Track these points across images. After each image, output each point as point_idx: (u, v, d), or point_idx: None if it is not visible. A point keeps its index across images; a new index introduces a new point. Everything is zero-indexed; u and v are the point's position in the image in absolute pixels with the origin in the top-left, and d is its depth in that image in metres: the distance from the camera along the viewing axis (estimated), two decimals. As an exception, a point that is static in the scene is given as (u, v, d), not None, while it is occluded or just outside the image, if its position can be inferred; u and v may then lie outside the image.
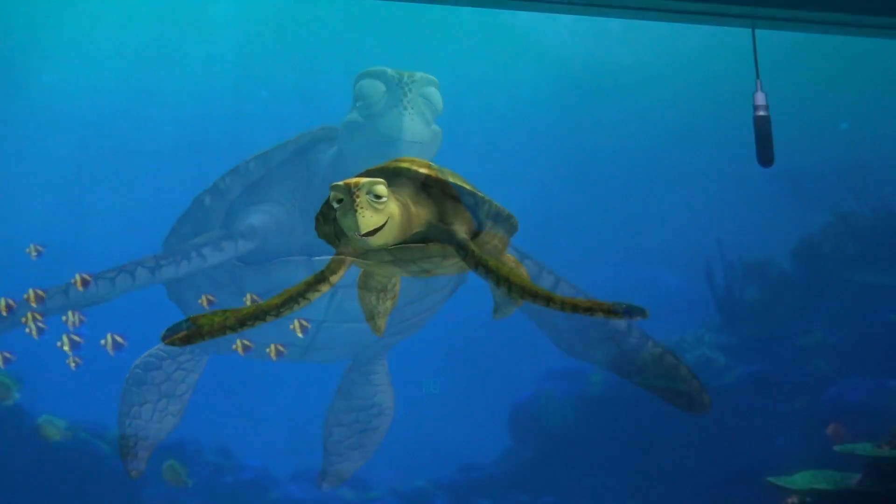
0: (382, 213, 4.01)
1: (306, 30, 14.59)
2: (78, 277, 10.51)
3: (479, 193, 4.43)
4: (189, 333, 4.10)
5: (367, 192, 3.99)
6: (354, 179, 3.98)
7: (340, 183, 3.97)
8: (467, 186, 4.42)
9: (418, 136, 3.74)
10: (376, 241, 4.02)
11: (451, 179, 4.42)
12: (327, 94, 14.30)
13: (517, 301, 4.62)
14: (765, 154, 4.60)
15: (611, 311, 4.17)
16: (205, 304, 10.75)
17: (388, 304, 5.12)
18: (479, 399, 13.69)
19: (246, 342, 11.02)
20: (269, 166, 4.08)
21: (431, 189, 4.37)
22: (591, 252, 14.46)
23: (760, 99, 4.66)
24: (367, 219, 3.99)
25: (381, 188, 4.00)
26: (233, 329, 4.13)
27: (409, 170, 4.33)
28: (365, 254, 4.34)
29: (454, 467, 13.32)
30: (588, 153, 15.25)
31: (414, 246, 4.30)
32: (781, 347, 12.75)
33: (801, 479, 10.03)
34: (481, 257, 4.27)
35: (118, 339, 11.15)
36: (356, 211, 3.96)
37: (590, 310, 4.14)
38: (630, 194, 15.29)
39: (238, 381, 13.65)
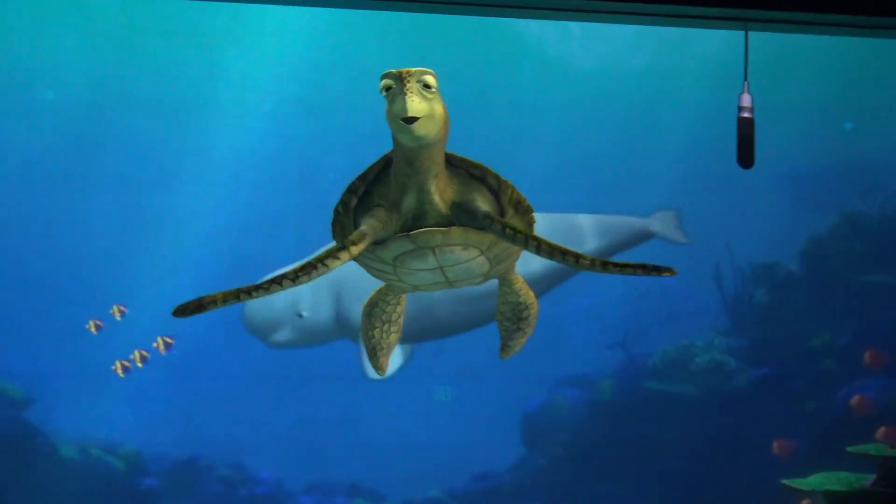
0: (430, 102, 4.00)
1: (308, 42, 14.63)
2: (92, 323, 10.64)
3: (502, 178, 4.43)
4: (202, 301, 4.10)
5: (418, 81, 4.00)
6: (406, 69, 4.00)
7: (392, 70, 3.98)
8: (490, 169, 4.43)
9: (420, 112, 3.81)
10: (419, 128, 3.98)
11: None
12: (332, 104, 14.39)
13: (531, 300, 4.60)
14: (746, 155, 4.61)
15: (642, 268, 4.18)
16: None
17: (392, 338, 5.08)
18: (491, 407, 13.68)
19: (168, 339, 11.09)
20: (367, 179, 4.15)
21: (457, 169, 4.36)
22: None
23: (746, 101, 4.68)
24: (415, 104, 3.96)
25: (431, 78, 4.00)
26: (245, 294, 4.13)
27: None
28: (384, 244, 4.34)
29: (468, 476, 13.32)
30: (594, 157, 15.26)
31: (436, 230, 4.29)
32: (791, 349, 12.74)
33: (815, 481, 10.01)
34: (507, 222, 4.28)
35: (168, 340, 11.24)
36: (405, 95, 3.95)
37: (621, 268, 4.16)
38: (636, 198, 15.29)
39: (249, 396, 13.68)
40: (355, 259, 4.48)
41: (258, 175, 14.58)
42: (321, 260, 4.19)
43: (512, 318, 5.10)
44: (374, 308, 5.01)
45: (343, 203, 4.48)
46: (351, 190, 4.48)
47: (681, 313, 13.85)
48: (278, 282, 4.17)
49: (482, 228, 4.30)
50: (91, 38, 14.65)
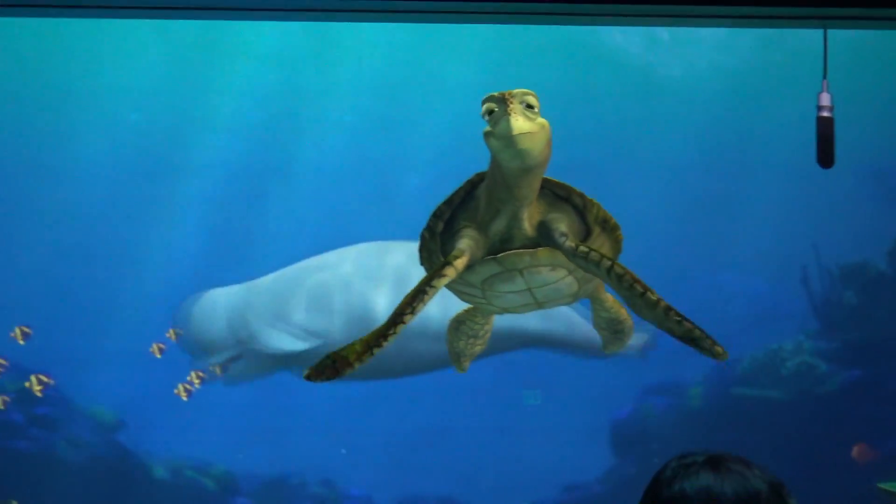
0: (534, 122, 3.98)
1: (386, 58, 14.68)
2: (18, 330, 10.77)
3: (587, 196, 4.40)
4: (336, 367, 4.09)
5: (520, 102, 3.98)
6: (508, 91, 3.99)
7: (494, 93, 3.98)
8: (575, 189, 4.40)
9: (525, 129, 3.81)
10: (524, 144, 3.96)
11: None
12: (411, 120, 14.43)
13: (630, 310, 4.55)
14: (826, 155, 4.53)
15: (701, 337, 4.14)
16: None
17: (477, 349, 5.10)
18: (579, 417, 13.61)
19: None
20: (453, 204, 4.18)
21: (542, 189, 4.33)
22: (681, 262, 14.36)
23: (825, 100, 4.60)
24: (520, 123, 3.94)
25: (534, 99, 3.98)
26: (376, 345, 4.12)
27: None
28: (472, 268, 4.32)
29: (558, 487, 13.25)
30: (669, 160, 15.13)
31: (524, 252, 4.27)
32: (883, 351, 12.55)
33: (913, 484, 9.87)
34: (580, 243, 4.24)
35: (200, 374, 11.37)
36: (509, 115, 3.93)
37: (681, 322, 4.11)
38: (715, 202, 15.15)
39: (338, 412, 13.72)
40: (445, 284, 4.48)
41: (339, 193, 14.65)
42: (428, 283, 4.19)
43: (607, 329, 5.09)
44: (460, 325, 5.02)
45: (429, 228, 4.48)
46: (437, 215, 4.47)
47: (768, 317, 13.70)
48: (400, 321, 4.16)
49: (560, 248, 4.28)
50: (173, 60, 14.81)
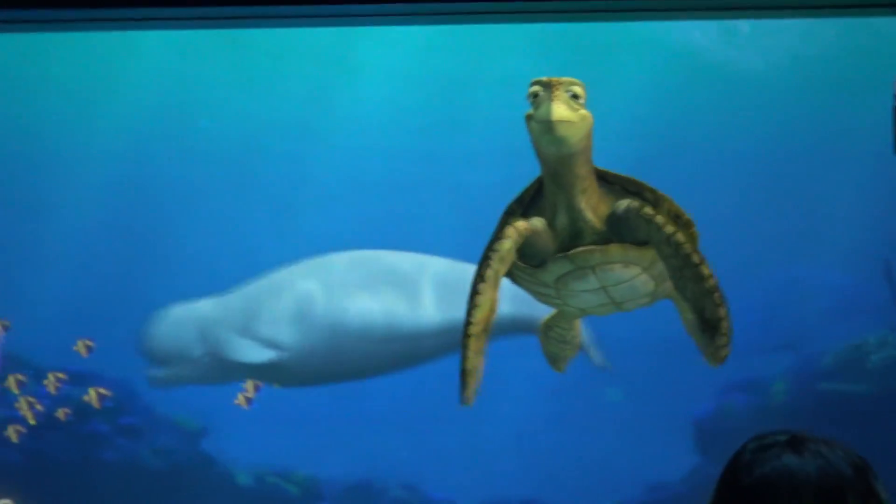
0: (576, 112, 3.98)
1: (452, 58, 14.67)
2: (80, 343, 10.94)
3: (659, 191, 4.37)
4: (468, 379, 4.14)
5: (566, 90, 3.98)
6: (556, 77, 4.00)
7: (542, 77, 3.98)
8: (646, 184, 4.38)
9: (565, 117, 3.82)
10: (561, 131, 3.96)
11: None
12: (479, 120, 14.41)
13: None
14: (902, 144, 4.46)
15: (718, 336, 4.13)
16: None
17: (569, 352, 5.10)
18: (661, 416, 13.50)
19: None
20: (524, 202, 4.22)
21: (612, 185, 4.32)
22: (759, 256, 14.19)
23: (901, 88, 4.53)
24: (561, 110, 3.96)
25: (580, 90, 4.01)
26: (467, 324, 4.15)
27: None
28: (544, 266, 4.31)
29: (641, 487, 13.16)
30: (748, 154, 14.96)
31: (594, 248, 4.26)
32: (970, 342, 12.36)
33: None
34: (654, 210, 4.21)
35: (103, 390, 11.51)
36: (552, 101, 3.94)
37: (717, 319, 4.11)
38: (794, 194, 14.96)
39: (420, 416, 13.73)
40: (519, 284, 4.48)
41: (408, 195, 14.67)
42: (490, 247, 4.21)
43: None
44: (549, 331, 5.04)
45: (502, 226, 4.48)
46: (508, 213, 4.49)
47: (850, 311, 13.49)
48: (476, 292, 4.18)
49: (642, 243, 4.23)
50: (241, 67, 14.92)
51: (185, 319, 11.55)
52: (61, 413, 11.54)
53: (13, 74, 14.54)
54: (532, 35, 13.67)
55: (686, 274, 4.11)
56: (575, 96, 3.95)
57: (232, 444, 12.73)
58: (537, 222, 4.26)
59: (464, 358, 4.16)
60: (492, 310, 4.19)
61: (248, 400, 11.34)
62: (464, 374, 4.11)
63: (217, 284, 12.44)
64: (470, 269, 4.31)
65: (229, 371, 11.33)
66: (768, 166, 14.89)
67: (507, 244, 4.18)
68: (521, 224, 4.22)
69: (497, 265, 4.15)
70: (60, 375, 11.37)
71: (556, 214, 4.22)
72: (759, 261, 13.88)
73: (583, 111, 3.98)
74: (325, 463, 12.90)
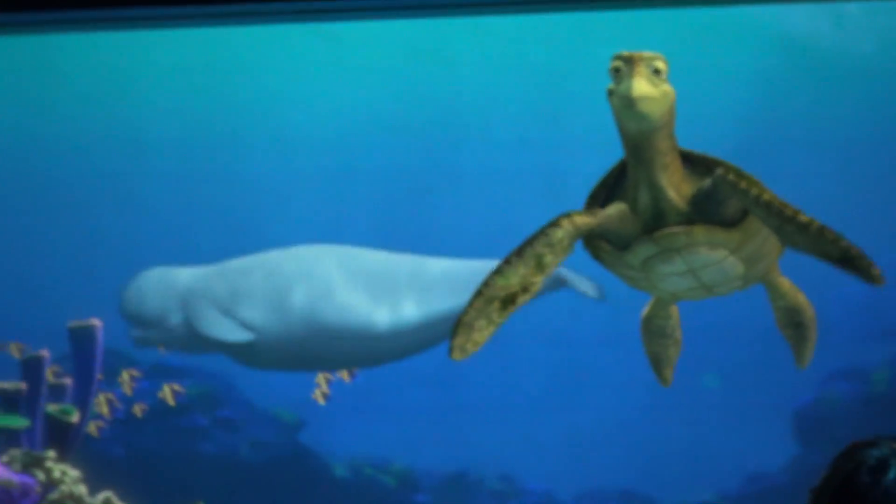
0: (658, 88, 3.95)
1: (547, 47, 14.61)
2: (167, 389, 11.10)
3: (745, 172, 4.32)
4: (460, 330, 4.13)
5: (648, 66, 3.96)
6: (638, 52, 3.98)
7: (623, 52, 3.97)
8: (732, 165, 4.33)
9: (646, 93, 3.79)
10: (641, 106, 3.93)
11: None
12: (573, 110, 14.34)
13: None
14: None
15: (857, 265, 4.07)
16: None
17: (671, 351, 5.05)
18: (760, 405, 13.35)
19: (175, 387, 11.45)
20: (607, 185, 4.24)
21: (696, 166, 4.28)
22: (861, 241, 13.94)
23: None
24: (642, 86, 3.93)
25: (662, 64, 3.98)
26: (483, 286, 4.14)
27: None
28: (629, 248, 4.28)
29: (741, 477, 13.03)
30: (850, 141, 14.72)
31: (678, 229, 4.21)
32: None
33: None
34: (739, 178, 4.16)
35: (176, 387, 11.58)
36: (633, 77, 3.91)
37: (844, 252, 4.05)
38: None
39: (516, 407, 13.71)
40: (608, 268, 4.45)
41: (505, 187, 14.63)
42: (541, 230, 4.17)
43: (789, 324, 4.98)
44: (649, 323, 4.99)
45: (587, 209, 4.44)
46: (593, 196, 4.47)
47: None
48: (507, 262, 4.16)
49: (729, 224, 4.17)
50: (337, 63, 14.98)
51: (167, 284, 11.74)
52: (137, 409, 11.70)
53: (119, 71, 14.76)
54: (630, 22, 13.57)
55: (788, 229, 4.05)
56: (657, 71, 3.91)
57: (329, 437, 12.82)
58: (612, 210, 4.22)
59: (464, 311, 4.12)
60: (522, 287, 4.13)
61: (325, 396, 11.42)
62: (458, 324, 4.08)
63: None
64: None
65: (204, 344, 11.45)
66: (875, 152, 14.63)
67: (559, 234, 4.13)
68: (579, 218, 4.17)
69: (541, 248, 4.11)
70: (135, 373, 11.53)
71: (637, 192, 4.18)
72: (861, 246, 13.66)
73: (665, 86, 3.94)
74: (421, 454, 12.94)
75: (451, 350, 4.24)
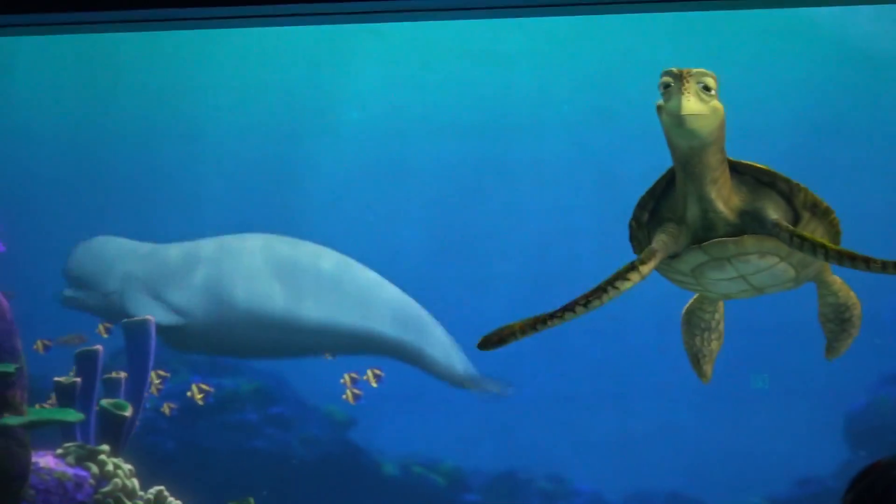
0: (707, 105, 3.96)
1: (600, 47, 14.58)
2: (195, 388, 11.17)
3: (794, 181, 4.32)
4: (499, 337, 4.17)
5: (697, 82, 3.97)
6: (687, 69, 3.99)
7: (672, 68, 3.97)
8: (780, 174, 4.34)
9: (695, 110, 3.80)
10: (691, 123, 3.95)
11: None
12: (625, 110, 14.30)
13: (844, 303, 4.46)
14: None
15: None
16: None
17: (714, 345, 5.05)
18: (810, 409, 13.28)
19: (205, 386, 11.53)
20: (655, 194, 4.25)
21: (743, 176, 4.29)
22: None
23: None
24: (691, 103, 3.95)
25: (711, 81, 3.99)
26: (539, 323, 4.17)
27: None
28: (679, 256, 4.30)
29: (790, 482, 12.96)
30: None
31: (727, 240, 4.23)
32: None
33: None
34: (795, 230, 4.18)
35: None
36: (682, 94, 3.92)
37: None
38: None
39: (566, 408, 13.71)
40: (660, 273, 4.47)
41: (557, 188, 14.62)
42: (611, 283, 4.21)
43: (834, 319, 4.98)
44: (691, 316, 5.00)
45: (635, 219, 4.49)
46: (641, 205, 4.49)
47: None
48: (571, 309, 4.20)
49: (773, 236, 4.20)
50: (391, 61, 15.03)
51: (113, 253, 11.89)
52: (166, 408, 11.82)
53: (181, 69, 14.89)
54: (684, 23, 13.54)
55: (847, 265, 4.10)
56: (706, 88, 3.91)
57: (379, 435, 12.87)
58: (665, 237, 4.24)
59: (515, 330, 4.15)
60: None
61: (356, 396, 11.51)
62: (507, 329, 4.12)
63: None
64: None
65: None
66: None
67: (629, 285, 4.19)
68: (645, 268, 4.21)
69: (608, 299, 4.16)
70: (163, 374, 11.64)
71: (687, 205, 4.19)
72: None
73: (714, 103, 3.94)
74: (470, 454, 12.97)
75: (481, 341, 4.29)
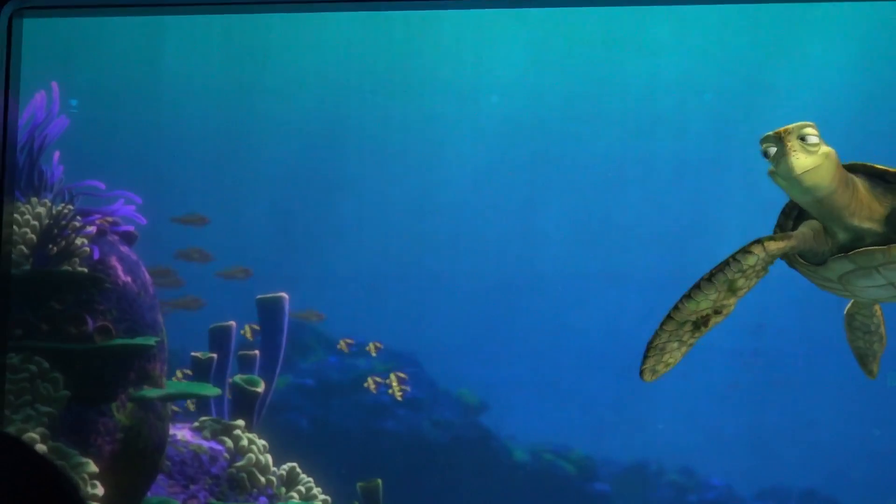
0: (816, 155, 3.94)
1: (750, 40, 14.36)
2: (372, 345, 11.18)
3: None
4: (650, 353, 4.18)
5: (798, 137, 3.94)
6: (783, 127, 3.97)
7: (769, 133, 3.96)
8: None
9: (806, 166, 3.75)
10: (810, 178, 3.93)
11: None
12: (770, 102, 14.08)
13: None
14: None
15: None
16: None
17: (877, 346, 5.02)
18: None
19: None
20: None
21: (890, 184, 4.24)
22: None
23: None
24: (800, 161, 3.93)
25: (811, 130, 3.96)
26: (669, 317, 4.17)
27: (864, 165, 4.25)
28: (825, 264, 4.25)
29: (930, 483, 12.68)
30: None
31: (875, 249, 4.19)
32: None
33: None
34: None
35: (402, 375, 11.63)
36: (788, 155, 3.90)
37: None
38: None
39: (699, 400, 13.58)
40: (806, 277, 4.44)
41: (699, 179, 14.46)
42: (733, 256, 4.18)
43: (863, 334, 4.93)
44: (852, 319, 4.98)
45: (779, 226, 4.46)
46: (785, 212, 4.47)
47: None
48: (697, 286, 4.19)
49: None
50: (534, 49, 14.99)
51: None
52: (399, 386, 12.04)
53: (331, 57, 15.04)
54: (834, 13, 13.30)
55: None
56: (807, 138, 3.86)
57: (511, 421, 12.89)
58: (805, 229, 4.20)
59: (655, 334, 4.17)
60: (715, 310, 4.15)
61: (402, 392, 11.57)
62: (649, 347, 4.14)
63: (503, 265, 12.59)
64: None
65: None
66: None
67: (752, 260, 4.14)
68: (772, 245, 4.17)
69: (733, 275, 4.11)
70: (402, 375, 11.81)
71: (832, 233, 4.16)
72: None
73: (823, 148, 3.91)
74: (601, 443, 12.92)
75: (641, 372, 4.32)
